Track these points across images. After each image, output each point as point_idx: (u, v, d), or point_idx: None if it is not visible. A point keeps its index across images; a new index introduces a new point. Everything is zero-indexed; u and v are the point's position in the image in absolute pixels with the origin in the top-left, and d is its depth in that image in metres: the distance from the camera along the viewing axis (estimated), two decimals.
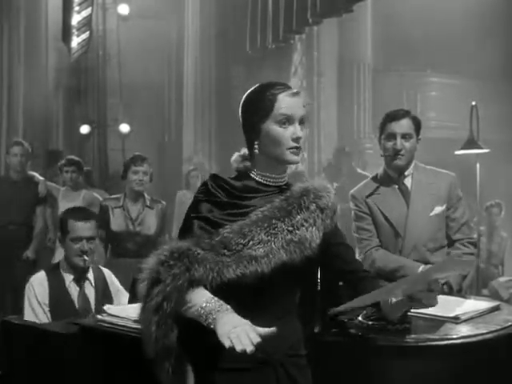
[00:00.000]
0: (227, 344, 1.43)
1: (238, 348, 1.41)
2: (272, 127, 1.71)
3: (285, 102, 1.71)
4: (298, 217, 1.70)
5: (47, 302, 2.89)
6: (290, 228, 1.68)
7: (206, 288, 1.59)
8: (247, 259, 1.63)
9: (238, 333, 1.44)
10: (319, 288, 1.92)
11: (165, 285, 1.57)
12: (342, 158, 7.55)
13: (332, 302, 1.87)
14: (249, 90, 1.79)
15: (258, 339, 1.44)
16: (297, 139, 1.71)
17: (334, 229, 1.80)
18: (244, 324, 1.48)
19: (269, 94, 1.71)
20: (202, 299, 1.56)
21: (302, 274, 1.75)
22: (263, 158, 1.75)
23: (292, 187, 1.77)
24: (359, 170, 7.31)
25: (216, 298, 1.56)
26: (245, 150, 1.82)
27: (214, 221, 1.69)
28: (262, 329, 1.48)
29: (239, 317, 1.52)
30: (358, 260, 1.95)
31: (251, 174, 1.78)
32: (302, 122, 1.73)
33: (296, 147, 1.71)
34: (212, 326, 1.51)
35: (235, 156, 1.84)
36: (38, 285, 2.92)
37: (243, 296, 1.63)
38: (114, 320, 2.13)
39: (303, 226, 1.70)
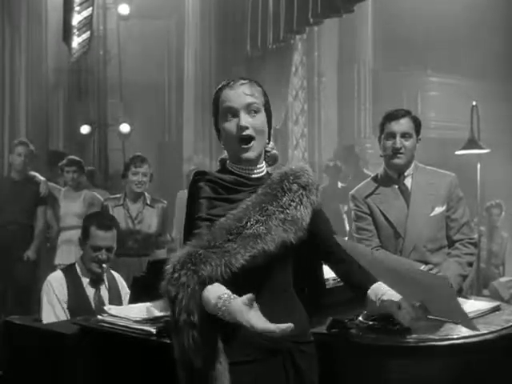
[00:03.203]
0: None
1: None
2: (222, 124, 1.75)
3: (225, 96, 1.74)
4: (284, 198, 1.73)
5: (66, 301, 2.92)
6: (280, 209, 1.72)
7: (219, 281, 1.57)
8: (252, 239, 1.64)
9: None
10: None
11: (179, 300, 1.55)
12: (349, 158, 7.50)
13: (316, 283, 1.95)
14: None
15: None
16: (241, 128, 1.71)
17: (320, 209, 1.84)
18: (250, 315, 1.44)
19: (216, 95, 1.77)
20: (214, 296, 1.51)
21: (294, 253, 1.78)
22: (229, 155, 1.81)
23: (271, 176, 1.81)
24: (365, 171, 7.28)
25: (227, 291, 1.52)
26: None
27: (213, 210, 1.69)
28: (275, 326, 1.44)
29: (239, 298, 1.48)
30: (339, 243, 1.95)
31: (229, 168, 1.80)
32: (249, 110, 1.73)
33: (244, 137, 1.71)
34: (230, 320, 1.47)
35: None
36: (56, 283, 2.94)
37: (252, 282, 1.62)
38: (115, 320, 2.13)
39: (291, 205, 1.73)
